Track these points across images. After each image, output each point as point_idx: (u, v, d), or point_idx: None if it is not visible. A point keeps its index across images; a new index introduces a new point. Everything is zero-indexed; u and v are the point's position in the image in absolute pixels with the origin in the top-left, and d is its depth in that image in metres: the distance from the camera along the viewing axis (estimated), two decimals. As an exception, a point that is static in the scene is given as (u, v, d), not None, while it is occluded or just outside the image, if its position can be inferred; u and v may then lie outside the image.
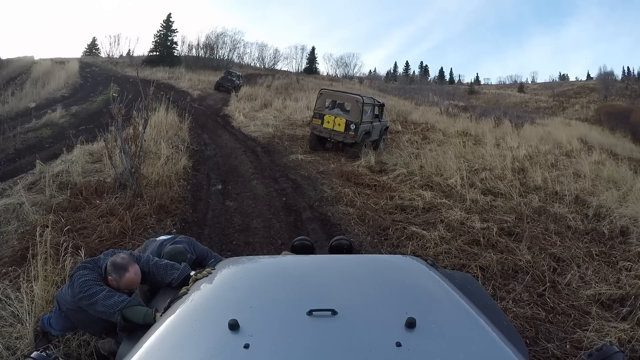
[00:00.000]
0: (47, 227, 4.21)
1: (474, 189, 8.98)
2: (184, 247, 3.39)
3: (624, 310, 4.63)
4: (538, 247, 6.25)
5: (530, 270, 5.48)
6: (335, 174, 9.71)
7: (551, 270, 5.59)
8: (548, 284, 5.20)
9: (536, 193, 9.07)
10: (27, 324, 3.40)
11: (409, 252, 5.78)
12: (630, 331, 4.20)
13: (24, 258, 4.46)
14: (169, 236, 3.74)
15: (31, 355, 1.59)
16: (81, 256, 4.20)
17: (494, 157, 12.11)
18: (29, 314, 3.46)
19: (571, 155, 14.25)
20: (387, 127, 15.22)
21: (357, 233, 6.43)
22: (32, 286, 3.76)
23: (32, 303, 3.57)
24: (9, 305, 3.66)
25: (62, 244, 4.12)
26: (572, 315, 4.60)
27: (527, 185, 9.76)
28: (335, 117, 11.83)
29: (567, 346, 4.06)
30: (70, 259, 4.02)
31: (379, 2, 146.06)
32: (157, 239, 3.69)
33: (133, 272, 2.74)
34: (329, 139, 12.26)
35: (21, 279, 3.99)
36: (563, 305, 4.79)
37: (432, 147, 13.18)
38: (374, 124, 12.85)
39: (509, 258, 5.80)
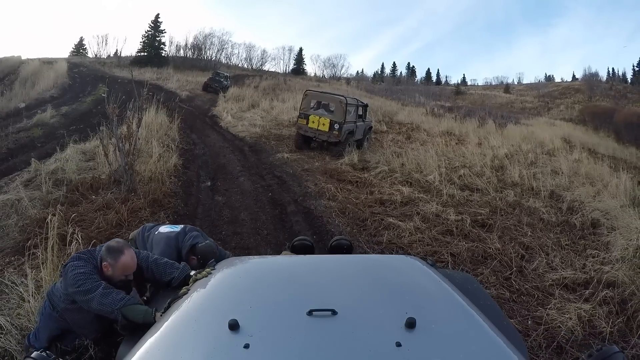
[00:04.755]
0: (55, 215, 4.52)
1: (452, 184, 9.39)
2: (201, 239, 3.49)
3: (587, 292, 4.98)
4: (509, 237, 6.62)
5: (499, 256, 5.84)
6: (319, 171, 10.10)
7: (519, 257, 5.96)
8: (515, 269, 5.55)
9: (512, 189, 9.47)
10: (33, 301, 3.67)
11: (384, 241, 6.21)
12: (592, 310, 4.52)
13: (26, 248, 4.69)
14: (176, 227, 3.74)
15: (31, 356, 1.62)
16: (78, 240, 4.42)
17: (475, 155, 12.52)
18: (33, 296, 3.72)
19: (552, 154, 14.63)
20: (371, 127, 15.60)
21: (337, 224, 6.80)
22: (36, 272, 4.02)
23: (41, 288, 3.84)
24: (15, 289, 3.94)
25: (69, 232, 4.40)
26: (536, 296, 4.96)
27: (504, 181, 10.17)
28: (320, 117, 12.20)
29: (529, 322, 4.42)
30: (76, 245, 4.33)
31: (367, 2, 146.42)
32: (162, 230, 3.68)
33: (129, 256, 2.73)
34: (314, 139, 12.63)
35: (26, 266, 4.27)
36: (528, 287, 5.15)
37: (414, 147, 13.54)
38: (358, 123, 13.24)
39: (480, 246, 6.18)
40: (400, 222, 6.86)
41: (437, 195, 8.54)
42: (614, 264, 5.67)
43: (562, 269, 5.66)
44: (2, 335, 3.40)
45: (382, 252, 5.93)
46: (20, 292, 3.90)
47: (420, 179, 9.68)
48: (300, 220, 7.02)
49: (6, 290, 4.01)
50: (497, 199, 8.65)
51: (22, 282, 4.04)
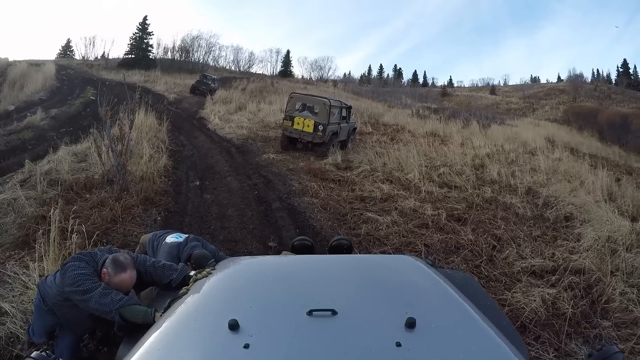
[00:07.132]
0: (56, 209, 4.84)
1: (431, 182, 9.76)
2: (201, 249, 3.57)
3: (554, 278, 5.24)
4: (482, 229, 6.93)
5: (471, 247, 6.18)
6: (303, 171, 10.43)
7: (491, 247, 6.26)
8: (485, 258, 5.87)
9: (490, 186, 9.83)
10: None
11: (362, 233, 6.60)
12: (556, 294, 4.80)
13: (25, 243, 5.05)
14: (181, 236, 3.83)
15: (31, 355, 1.62)
16: (81, 231, 4.69)
17: (456, 155, 12.92)
18: (35, 285, 3.94)
19: (534, 153, 14.90)
20: (355, 128, 16.00)
21: (319, 219, 7.18)
22: (38, 263, 4.28)
23: (43, 276, 4.12)
24: (17, 279, 4.22)
25: (70, 224, 4.70)
26: (504, 282, 5.24)
27: (483, 179, 10.55)
28: (305, 119, 12.59)
29: (495, 304, 4.83)
30: (77, 237, 4.63)
31: (355, 4, 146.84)
32: (168, 240, 3.76)
33: (128, 276, 2.72)
34: (299, 140, 12.97)
35: (27, 258, 4.57)
36: (496, 273, 5.46)
37: (397, 147, 13.88)
38: (342, 125, 13.63)
39: (453, 237, 6.52)
40: (378, 217, 7.24)
41: (415, 192, 8.89)
42: (582, 253, 5.96)
43: (531, 257, 5.92)
44: (8, 320, 3.68)
45: (360, 243, 6.32)
46: (24, 280, 4.17)
47: (400, 177, 10.05)
48: (285, 215, 7.38)
49: (9, 280, 4.27)
50: (475, 195, 8.98)
51: (24, 272, 4.30)
